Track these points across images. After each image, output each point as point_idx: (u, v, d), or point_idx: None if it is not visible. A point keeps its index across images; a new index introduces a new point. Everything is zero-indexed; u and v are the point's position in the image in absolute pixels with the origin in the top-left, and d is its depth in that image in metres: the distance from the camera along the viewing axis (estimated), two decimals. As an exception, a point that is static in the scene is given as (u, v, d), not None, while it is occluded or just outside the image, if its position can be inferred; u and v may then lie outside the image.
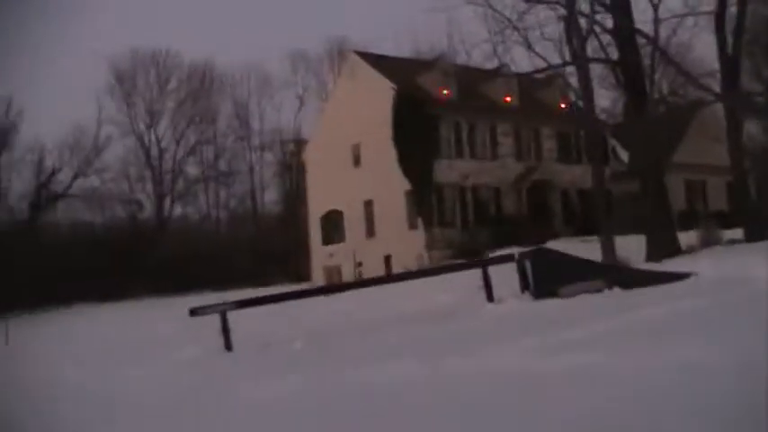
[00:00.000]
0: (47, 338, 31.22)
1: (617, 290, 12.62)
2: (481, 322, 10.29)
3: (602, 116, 39.45)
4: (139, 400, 7.01)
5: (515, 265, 14.15)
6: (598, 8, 30.21)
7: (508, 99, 48.95)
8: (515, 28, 30.34)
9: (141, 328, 27.09)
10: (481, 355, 7.39)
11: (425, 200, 45.50)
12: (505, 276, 14.86)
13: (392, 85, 46.15)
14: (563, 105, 47.92)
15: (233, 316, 14.22)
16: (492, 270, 14.82)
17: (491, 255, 26.12)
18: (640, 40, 30.31)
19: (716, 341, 5.79)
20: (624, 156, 51.71)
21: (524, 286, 13.87)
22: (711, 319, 7.51)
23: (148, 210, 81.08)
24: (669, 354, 5.70)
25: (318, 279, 50.39)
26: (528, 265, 13.56)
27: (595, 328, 7.52)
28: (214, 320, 14.34)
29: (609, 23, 30.63)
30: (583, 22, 30.60)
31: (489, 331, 8.67)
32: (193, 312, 14.39)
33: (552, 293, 12.89)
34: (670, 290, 11.67)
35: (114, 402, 6.38)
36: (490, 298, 13.56)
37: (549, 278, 13.38)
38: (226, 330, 13.42)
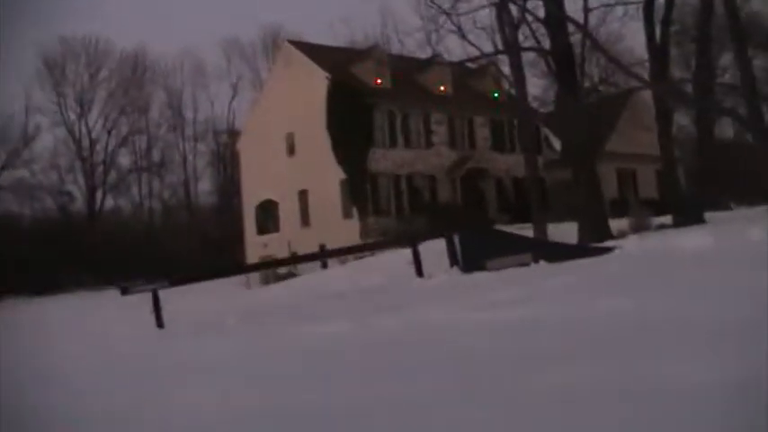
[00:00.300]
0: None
1: (543, 263, 12.87)
2: (410, 293, 10.46)
3: (535, 104, 39.85)
4: (73, 372, 7.03)
5: (444, 242, 14.35)
6: (529, -5, 30.60)
7: (442, 88, 49.25)
8: (448, 16, 30.64)
9: (75, 315, 26.86)
10: (408, 314, 7.55)
11: (360, 189, 45.59)
12: (436, 257, 15.05)
13: (326, 74, 46.15)
14: (495, 94, 48.37)
15: (171, 304, 14.27)
16: (423, 253, 15.04)
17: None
18: (571, 29, 30.68)
19: (625, 293, 6.05)
20: (557, 144, 52.36)
21: (453, 262, 14.05)
22: (626, 278, 7.78)
23: (80, 201, 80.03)
24: (583, 305, 5.94)
25: (254, 268, 50.15)
26: (456, 240, 13.74)
27: (517, 291, 7.72)
28: (147, 306, 14.34)
29: (540, 12, 30.98)
30: (514, 10, 31.01)
31: (418, 298, 8.86)
32: (125, 291, 14.34)
33: (480, 268, 13.09)
34: (592, 261, 11.98)
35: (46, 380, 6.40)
36: (420, 273, 13.72)
37: (477, 253, 13.58)
38: (157, 308, 13.41)
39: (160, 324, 13.10)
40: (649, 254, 12.49)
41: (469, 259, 13.38)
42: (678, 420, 3.00)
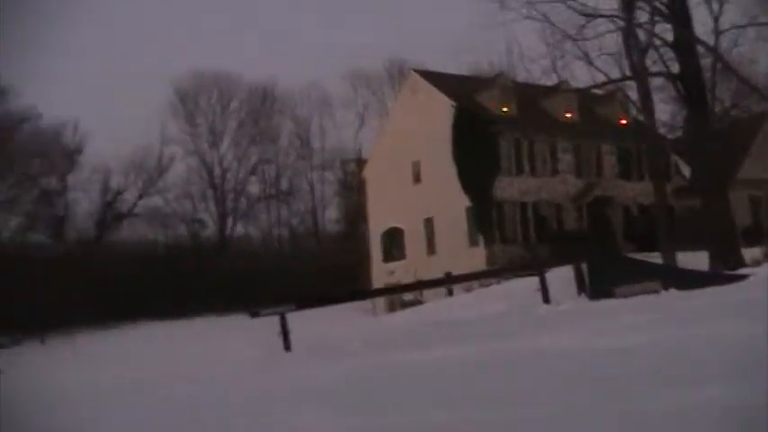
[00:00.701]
0: (114, 353, 31.77)
1: (673, 291, 12.64)
2: (536, 319, 10.43)
3: (663, 130, 39.11)
4: (204, 394, 7.25)
5: (572, 270, 14.24)
6: (657, 19, 30.08)
7: (568, 115, 48.84)
8: (574, 42, 30.43)
9: (205, 339, 27.50)
10: (534, 339, 7.57)
11: (486, 216, 45.51)
12: (563, 285, 14.94)
13: (452, 102, 46.34)
14: (623, 121, 47.67)
15: (301, 330, 14.53)
16: (551, 281, 14.95)
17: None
18: (701, 52, 30.06)
19: (755, 320, 5.93)
20: (686, 171, 51.24)
21: (581, 289, 13.92)
22: (757, 306, 7.60)
23: (211, 228, 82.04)
24: (708, 329, 5.86)
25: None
26: (584, 267, 13.62)
27: (645, 317, 7.64)
28: (275, 331, 14.61)
29: (669, 36, 30.47)
30: (642, 34, 30.59)
31: (544, 324, 8.84)
32: (254, 314, 14.68)
33: (608, 295, 12.93)
34: (724, 288, 11.71)
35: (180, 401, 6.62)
36: (546, 300, 13.65)
37: (605, 280, 13.42)
38: (285, 332, 13.67)
39: (287, 347, 13.34)
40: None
41: (597, 286, 13.24)
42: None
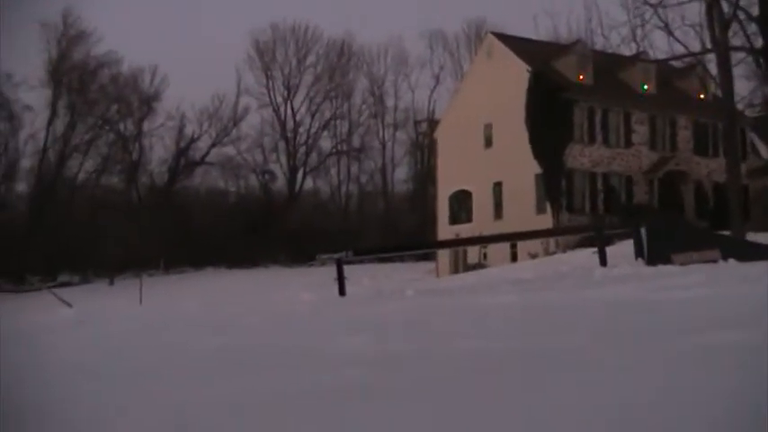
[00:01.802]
0: (177, 294, 32.34)
1: (732, 261, 12.54)
2: (588, 279, 10.49)
3: (742, 107, 38.40)
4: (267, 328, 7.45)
5: (632, 233, 14.19)
6: (742, -10, 29.50)
7: (646, 87, 48.19)
8: (655, 10, 29.97)
9: (267, 285, 27.93)
10: (579, 292, 7.65)
11: (555, 184, 45.26)
12: (628, 252, 14.94)
13: (528, 67, 46.03)
14: (701, 95, 46.90)
15: (357, 285, 14.76)
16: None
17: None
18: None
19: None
20: (764, 150, 50.38)
21: (638, 254, 13.86)
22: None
23: (281, 181, 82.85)
24: (749, 287, 5.92)
25: (443, 258, 50.68)
26: (643, 231, 13.55)
27: (697, 278, 7.68)
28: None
29: (754, 10, 29.83)
30: (726, 6, 30.00)
31: (594, 282, 8.93)
32: (311, 260, 14.90)
33: (666, 261, 12.87)
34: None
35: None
36: (603, 263, 13.66)
37: (663, 245, 13.35)
38: (341, 277, 13.87)
39: (342, 292, 13.55)
40: None
41: (655, 251, 13.17)
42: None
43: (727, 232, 29.76)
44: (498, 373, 3.67)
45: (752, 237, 28.34)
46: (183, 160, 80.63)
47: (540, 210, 45.45)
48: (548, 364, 3.73)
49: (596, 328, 4.79)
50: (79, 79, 75.69)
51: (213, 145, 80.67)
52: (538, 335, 4.58)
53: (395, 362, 4.20)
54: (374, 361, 4.28)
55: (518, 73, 45.86)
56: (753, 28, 30.29)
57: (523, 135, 45.21)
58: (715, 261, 12.80)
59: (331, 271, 15.05)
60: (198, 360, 5.18)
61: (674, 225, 15.28)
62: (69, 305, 25.06)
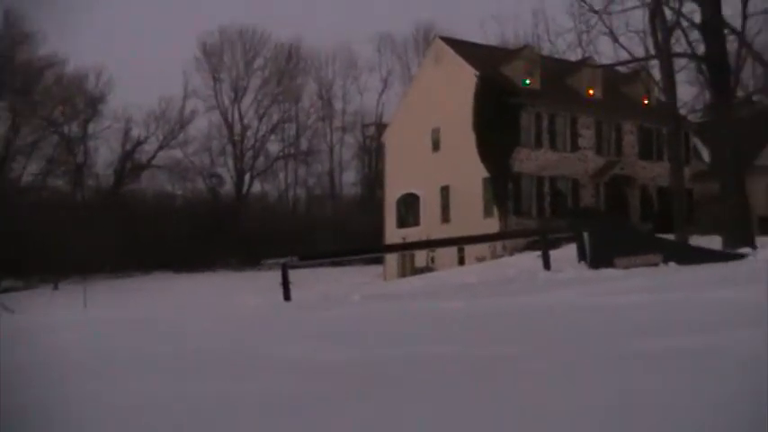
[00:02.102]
0: (123, 299, 32.05)
1: (672, 264, 12.69)
2: (533, 283, 10.58)
3: (685, 112, 38.90)
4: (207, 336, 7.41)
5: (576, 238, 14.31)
6: (685, -1, 29.88)
7: (591, 92, 48.62)
8: (599, 16, 30.27)
9: (213, 290, 27.77)
10: (522, 297, 7.71)
11: (502, 188, 45.48)
12: (572, 257, 15.04)
13: (476, 72, 46.20)
14: (646, 100, 47.46)
15: (304, 289, 14.72)
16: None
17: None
18: (727, 36, 29.80)
19: (734, 288, 6.05)
20: (706, 155, 51.04)
21: (581, 257, 13.97)
22: (745, 279, 7.70)
23: (228, 184, 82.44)
24: (698, 294, 6.00)
25: (391, 261, 50.74)
26: (586, 235, 13.67)
27: (638, 283, 7.76)
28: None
29: (696, 17, 30.22)
30: (669, 13, 30.39)
31: (538, 287, 9.00)
32: (259, 265, 14.82)
33: (608, 264, 12.99)
34: (720, 265, 11.78)
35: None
36: (547, 267, 13.75)
37: (606, 249, 13.47)
38: (286, 282, 13.82)
39: (287, 297, 13.50)
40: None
41: (598, 255, 13.30)
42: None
43: (671, 235, 30.18)
44: (431, 382, 3.68)
45: (695, 240, 28.79)
46: (129, 163, 79.88)
47: (488, 213, 45.64)
48: (482, 373, 3.75)
49: (534, 334, 4.82)
50: (23, 80, 74.62)
51: (160, 148, 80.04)
52: (477, 342, 4.61)
53: (330, 370, 4.20)
54: (309, 369, 4.27)
55: (466, 77, 46.00)
56: (695, 35, 30.66)
57: (471, 139, 45.33)
58: (656, 265, 12.96)
59: (279, 275, 14.99)
60: (135, 365, 5.14)
61: (616, 229, 15.43)
62: (11, 311, 24.74)
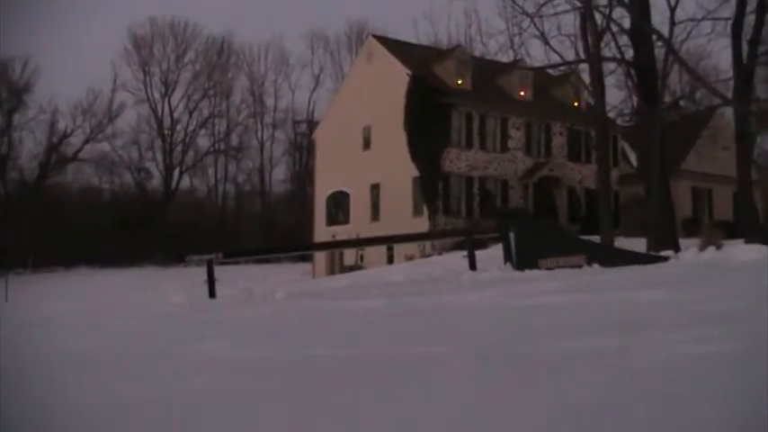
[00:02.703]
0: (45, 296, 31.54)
1: (596, 266, 12.82)
2: (456, 283, 10.61)
3: (613, 116, 39.41)
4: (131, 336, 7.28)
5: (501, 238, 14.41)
6: (615, 4, 30.26)
7: (522, 93, 49.03)
8: (531, 19, 30.51)
9: (138, 286, 27.46)
10: (443, 296, 7.71)
11: (432, 187, 45.63)
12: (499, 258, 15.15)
13: (408, 71, 46.29)
14: (575, 103, 47.99)
15: (231, 286, 14.60)
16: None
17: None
18: (655, 42, 30.27)
19: (659, 293, 6.12)
20: (634, 158, 51.78)
21: (507, 257, 14.05)
22: (665, 281, 7.81)
23: (157, 179, 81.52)
24: (612, 294, 6.04)
25: (320, 259, 50.65)
26: (511, 236, 13.75)
27: (561, 284, 7.80)
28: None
29: (625, 23, 30.65)
30: (599, 18, 30.75)
31: (461, 286, 9.02)
32: (184, 262, 14.65)
33: (533, 265, 13.07)
34: (643, 267, 11.93)
35: (102, 342, 6.64)
36: (473, 267, 13.81)
37: (531, 250, 13.56)
38: (211, 279, 13.66)
39: (212, 294, 13.36)
40: (701, 264, 12.41)
41: (523, 256, 13.38)
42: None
43: (596, 237, 30.53)
44: (342, 384, 3.64)
45: (620, 242, 29.17)
46: (54, 156, 78.44)
47: (418, 212, 45.76)
48: (395, 375, 3.70)
49: (453, 335, 4.80)
50: (-56, 69, 73.08)
51: (87, 141, 78.76)
52: (396, 342, 4.57)
53: (248, 369, 4.13)
54: (228, 368, 4.20)
55: (398, 76, 46.06)
56: (624, 40, 31.13)
57: (402, 138, 45.40)
58: (580, 266, 13.06)
59: (205, 271, 14.83)
60: (55, 364, 5.01)
61: (541, 230, 15.53)
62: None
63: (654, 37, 30.08)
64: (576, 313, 5.64)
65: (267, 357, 4.54)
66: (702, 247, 17.42)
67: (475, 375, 3.58)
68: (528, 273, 11.77)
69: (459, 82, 46.95)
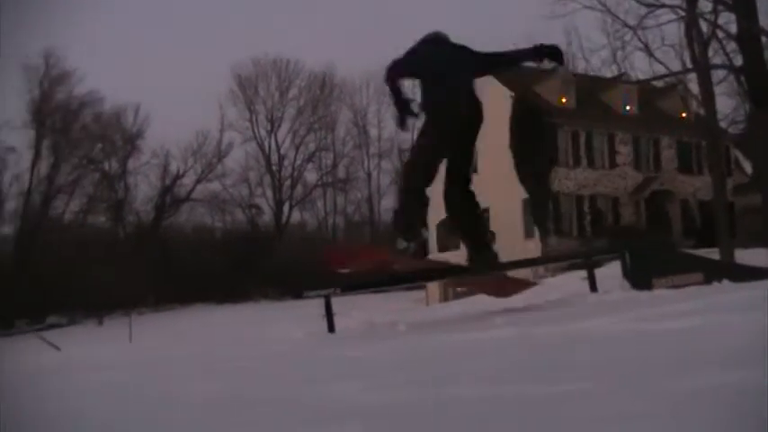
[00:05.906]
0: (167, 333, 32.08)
1: (716, 284, 12.47)
2: (580, 306, 10.41)
3: (725, 124, 38.57)
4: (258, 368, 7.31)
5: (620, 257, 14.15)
6: (720, 9, 29.60)
7: (628, 108, 48.36)
8: (634, 32, 30.11)
9: (255, 322, 27.76)
10: (573, 323, 7.56)
11: (542, 209, 45.20)
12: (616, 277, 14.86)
13: (510, 92, 46.06)
14: (683, 114, 47.09)
15: (348, 317, 14.61)
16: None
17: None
18: (765, 45, 29.52)
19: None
20: (748, 167, 50.53)
21: (625, 278, 13.81)
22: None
23: (267, 215, 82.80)
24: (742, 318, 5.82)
25: (432, 285, 50.56)
26: (627, 257, 13.50)
27: (692, 305, 7.57)
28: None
29: (732, 28, 29.98)
30: (704, 26, 30.15)
31: (595, 311, 8.88)
32: (299, 296, 14.74)
33: (649, 285, 12.82)
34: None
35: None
36: (593, 289, 13.59)
37: (647, 270, 13.29)
38: (329, 314, 13.68)
39: (331, 329, 13.37)
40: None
41: (639, 276, 13.12)
42: None
43: (714, 249, 29.76)
44: (494, 423, 3.53)
45: (738, 253, 28.35)
46: (168, 197, 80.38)
47: (529, 234, 45.41)
48: (544, 414, 3.59)
49: (599, 366, 4.66)
50: (62, 119, 75.62)
51: (198, 181, 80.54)
52: (542, 378, 4.44)
53: (388, 414, 4.05)
54: (365, 414, 4.12)
55: (501, 99, 45.59)
56: (732, 46, 30.46)
57: (508, 160, 44.87)
58: (699, 284, 12.75)
59: (320, 303, 14.88)
60: (185, 412, 5.02)
61: (656, 249, 15.19)
62: (57, 348, 24.84)
63: (763, 39, 29.34)
64: (723, 337, 5.42)
65: (407, 400, 4.44)
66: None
67: (640, 416, 3.42)
68: (654, 292, 11.53)
69: (563, 100, 46.54)
